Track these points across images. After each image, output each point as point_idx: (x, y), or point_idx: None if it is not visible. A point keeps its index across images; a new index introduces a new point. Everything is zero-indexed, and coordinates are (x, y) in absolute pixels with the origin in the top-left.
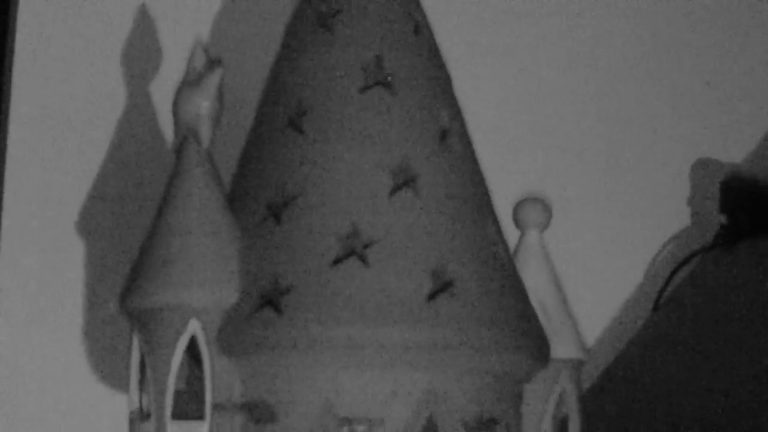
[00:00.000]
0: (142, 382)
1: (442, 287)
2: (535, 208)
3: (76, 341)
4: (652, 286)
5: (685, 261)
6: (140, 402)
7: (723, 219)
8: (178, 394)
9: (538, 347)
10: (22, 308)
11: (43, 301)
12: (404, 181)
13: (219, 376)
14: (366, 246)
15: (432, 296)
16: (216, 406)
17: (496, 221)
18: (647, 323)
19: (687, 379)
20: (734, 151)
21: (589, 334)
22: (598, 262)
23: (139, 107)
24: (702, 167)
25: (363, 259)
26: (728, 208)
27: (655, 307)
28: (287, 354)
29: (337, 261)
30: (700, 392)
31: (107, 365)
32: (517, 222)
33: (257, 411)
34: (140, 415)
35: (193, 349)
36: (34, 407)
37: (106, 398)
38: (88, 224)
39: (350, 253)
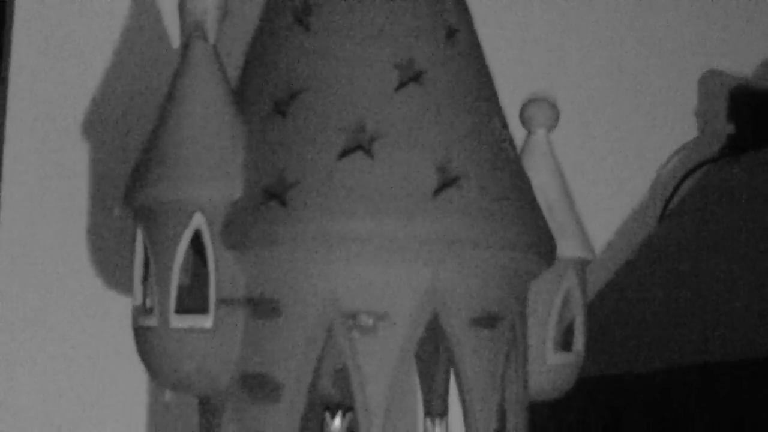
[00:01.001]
0: (145, 278)
1: (448, 182)
2: (543, 107)
3: (80, 243)
4: (659, 197)
5: (692, 171)
6: (144, 298)
7: (731, 129)
8: (181, 290)
9: (544, 244)
10: (25, 210)
11: (46, 203)
12: (411, 76)
13: (223, 270)
14: (372, 140)
15: (438, 191)
16: (220, 301)
17: (503, 119)
18: (653, 233)
19: (692, 289)
20: (743, 64)
21: (595, 243)
22: (604, 173)
23: (144, 7)
24: (710, 78)
25: (369, 153)
26: (736, 118)
27: (662, 218)
28: (292, 247)
29: (343, 155)
30: (704, 302)
31: (111, 267)
32: (524, 121)
33: (261, 305)
34: (143, 311)
35: (197, 245)
36: (36, 310)
37: (109, 300)
38: (93, 126)
39: (356, 147)
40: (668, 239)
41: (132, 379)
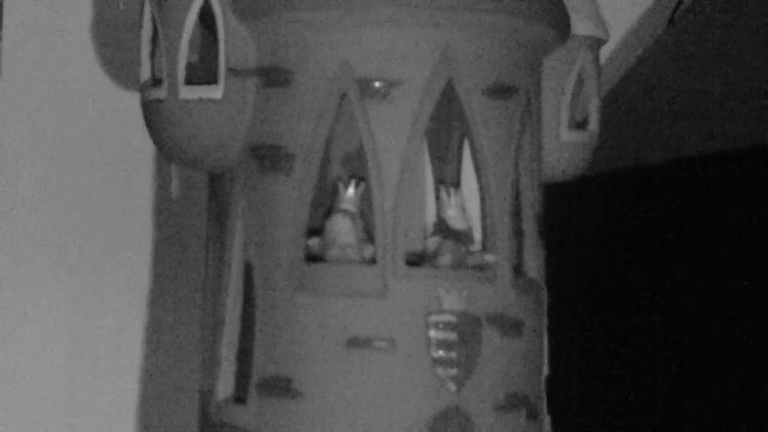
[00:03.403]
0: (153, 53)
1: None
2: None
3: (84, 40)
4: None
5: None
6: (152, 73)
7: None
8: (191, 65)
9: (558, 16)
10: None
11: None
12: None
13: (233, 40)
14: None
15: None
16: (230, 71)
17: None
18: (662, 37)
19: (699, 94)
20: None
21: (604, 46)
22: None
23: None
24: None
25: None
26: None
27: (671, 21)
28: (303, 14)
29: None
30: (711, 106)
31: (117, 62)
32: None
33: (273, 75)
34: (152, 84)
35: (207, 19)
36: (40, 103)
37: (115, 99)
38: None
39: None
40: (677, 42)
41: (137, 183)
